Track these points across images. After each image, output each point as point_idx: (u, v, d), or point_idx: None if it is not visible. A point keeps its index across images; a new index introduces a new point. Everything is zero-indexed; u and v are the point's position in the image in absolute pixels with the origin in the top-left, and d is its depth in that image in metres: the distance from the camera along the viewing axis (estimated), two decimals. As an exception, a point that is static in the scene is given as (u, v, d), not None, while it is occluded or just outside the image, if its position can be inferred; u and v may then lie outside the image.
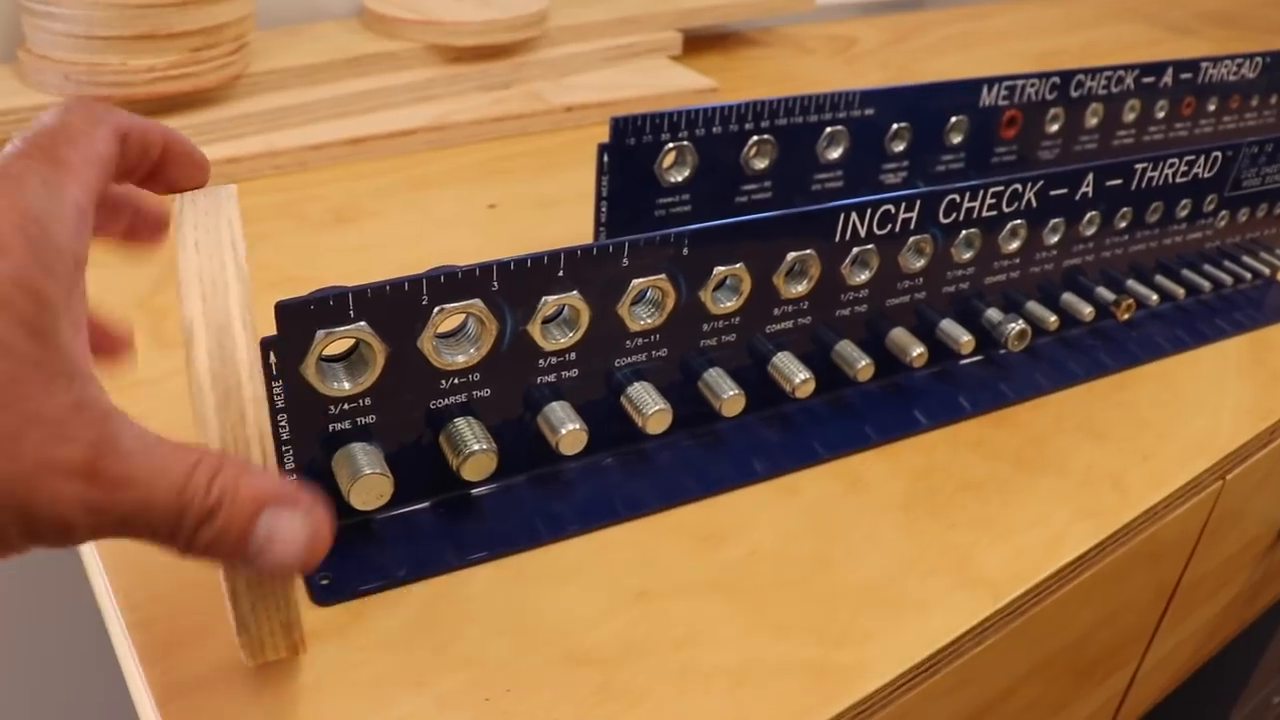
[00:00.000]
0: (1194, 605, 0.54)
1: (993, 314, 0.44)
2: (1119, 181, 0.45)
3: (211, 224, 0.26)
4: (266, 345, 0.29)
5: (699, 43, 0.84)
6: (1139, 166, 0.45)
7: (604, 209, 0.45)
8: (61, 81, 0.54)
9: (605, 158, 0.44)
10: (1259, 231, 0.53)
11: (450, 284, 0.31)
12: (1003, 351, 0.46)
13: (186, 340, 0.24)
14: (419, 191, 0.58)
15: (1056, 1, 1.12)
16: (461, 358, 0.32)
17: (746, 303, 0.37)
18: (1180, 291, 0.50)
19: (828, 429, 0.40)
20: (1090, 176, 0.44)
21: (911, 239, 0.40)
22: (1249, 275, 0.53)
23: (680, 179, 0.45)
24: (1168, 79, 0.58)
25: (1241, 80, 0.62)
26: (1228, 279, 0.52)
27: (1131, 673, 0.53)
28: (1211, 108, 0.62)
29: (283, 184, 0.58)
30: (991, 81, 0.53)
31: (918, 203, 0.39)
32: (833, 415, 0.41)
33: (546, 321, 0.34)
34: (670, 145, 0.44)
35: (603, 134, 0.44)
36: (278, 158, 0.59)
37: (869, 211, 0.38)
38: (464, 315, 0.32)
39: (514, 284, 0.32)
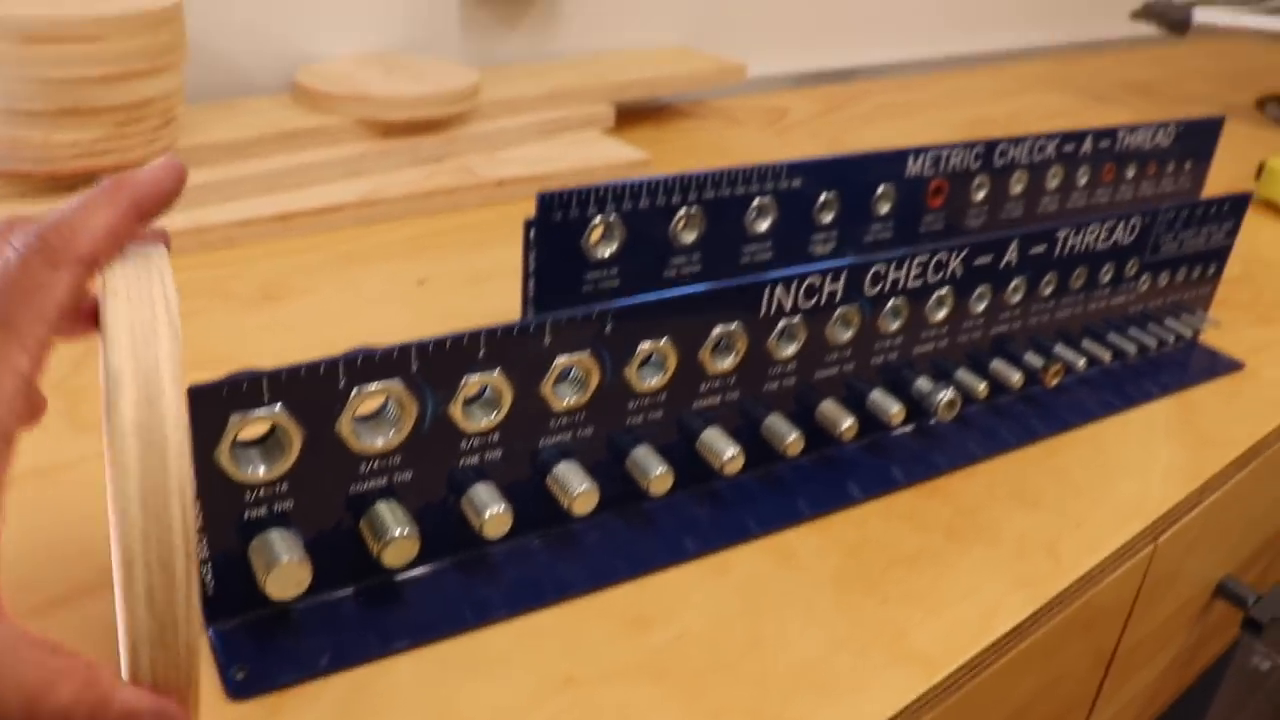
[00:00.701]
0: (1132, 670, 0.54)
1: (922, 383, 0.44)
2: (1043, 248, 0.45)
3: (143, 274, 0.26)
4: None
5: (631, 115, 0.84)
6: (1061, 234, 0.46)
7: (531, 285, 0.44)
8: (-21, 159, 0.53)
9: (532, 234, 0.43)
10: (1179, 295, 0.54)
11: (368, 366, 0.30)
12: (933, 421, 0.46)
13: (110, 389, 0.23)
14: (348, 268, 0.58)
15: (983, 72, 1.15)
16: (381, 441, 0.32)
17: (672, 379, 0.37)
18: (1106, 355, 0.50)
19: (759, 504, 0.40)
20: (1014, 244, 0.44)
21: (838, 311, 0.40)
22: (1172, 338, 0.54)
23: (608, 254, 0.45)
24: (1087, 147, 0.60)
25: (1156, 148, 0.63)
26: (1152, 342, 0.53)
27: (1075, 741, 0.53)
28: (1130, 174, 0.63)
29: (210, 260, 0.57)
30: (917, 152, 0.53)
31: (843, 274, 0.39)
32: (764, 490, 0.41)
33: (468, 402, 0.33)
34: (597, 219, 0.44)
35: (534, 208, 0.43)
36: (205, 234, 0.58)
37: (795, 284, 0.38)
38: (384, 397, 0.31)
39: (434, 365, 0.31)
